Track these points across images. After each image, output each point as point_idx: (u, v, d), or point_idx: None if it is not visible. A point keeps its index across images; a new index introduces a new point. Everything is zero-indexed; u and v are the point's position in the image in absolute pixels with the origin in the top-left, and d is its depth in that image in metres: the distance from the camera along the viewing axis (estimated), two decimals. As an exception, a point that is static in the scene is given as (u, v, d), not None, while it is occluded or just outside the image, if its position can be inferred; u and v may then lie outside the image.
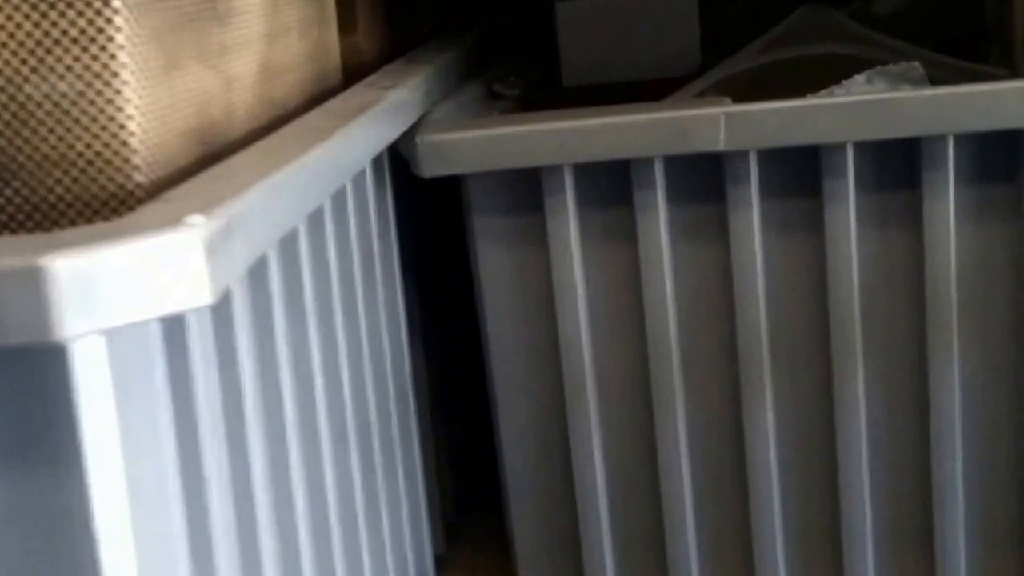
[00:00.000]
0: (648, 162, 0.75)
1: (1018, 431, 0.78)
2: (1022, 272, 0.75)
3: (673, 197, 0.77)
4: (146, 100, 0.46)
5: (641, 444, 0.81)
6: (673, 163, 0.76)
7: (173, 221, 0.38)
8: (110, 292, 0.36)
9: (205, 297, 0.38)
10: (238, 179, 0.44)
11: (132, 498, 0.41)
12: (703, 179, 0.76)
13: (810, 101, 0.72)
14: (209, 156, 0.52)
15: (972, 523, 0.79)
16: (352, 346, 0.66)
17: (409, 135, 0.75)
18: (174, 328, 0.44)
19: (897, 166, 0.74)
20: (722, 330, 0.78)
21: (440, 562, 0.92)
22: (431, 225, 0.92)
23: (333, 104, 0.63)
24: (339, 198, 0.64)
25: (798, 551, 0.81)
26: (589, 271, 0.79)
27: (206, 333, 0.47)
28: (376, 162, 0.72)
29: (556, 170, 0.76)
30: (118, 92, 0.45)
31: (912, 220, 0.75)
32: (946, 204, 0.74)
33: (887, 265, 0.76)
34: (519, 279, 0.80)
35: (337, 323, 0.63)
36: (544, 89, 1.04)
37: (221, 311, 0.48)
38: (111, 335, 0.39)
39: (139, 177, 0.46)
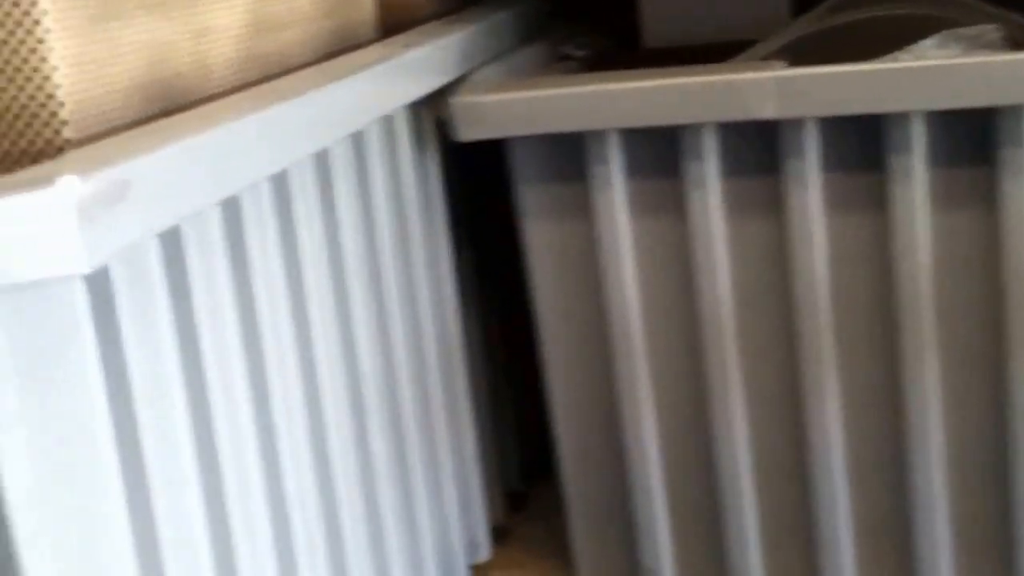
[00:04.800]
0: (698, 129, 0.70)
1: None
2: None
3: (726, 168, 0.71)
4: (74, 51, 0.43)
5: (693, 417, 0.76)
6: (726, 131, 0.70)
7: (46, 180, 0.35)
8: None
9: (80, 264, 0.35)
10: (152, 138, 0.41)
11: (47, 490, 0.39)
12: (758, 149, 0.70)
13: (869, 66, 0.65)
14: (169, 113, 0.49)
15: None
16: (376, 314, 0.63)
17: (442, 96, 0.71)
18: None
19: (970, 139, 0.68)
20: (777, 306, 0.72)
21: (501, 533, 0.89)
22: (488, 192, 0.88)
23: (330, 63, 0.60)
24: (358, 159, 0.61)
25: (858, 527, 0.75)
26: (637, 243, 0.74)
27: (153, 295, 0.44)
28: (415, 122, 0.69)
29: (600, 135, 0.72)
30: (40, 41, 0.42)
31: (986, 197, 0.68)
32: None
33: (959, 245, 0.69)
34: (564, 250, 0.75)
35: (353, 285, 0.60)
36: (622, 51, 0.99)
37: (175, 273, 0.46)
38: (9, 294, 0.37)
39: (68, 132, 0.43)
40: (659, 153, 0.72)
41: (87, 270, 0.35)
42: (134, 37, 0.47)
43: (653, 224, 0.73)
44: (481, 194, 0.86)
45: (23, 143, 0.43)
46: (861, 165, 0.69)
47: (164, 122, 0.45)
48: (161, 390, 0.45)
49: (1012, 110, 0.65)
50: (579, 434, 0.79)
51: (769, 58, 0.75)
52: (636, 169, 0.72)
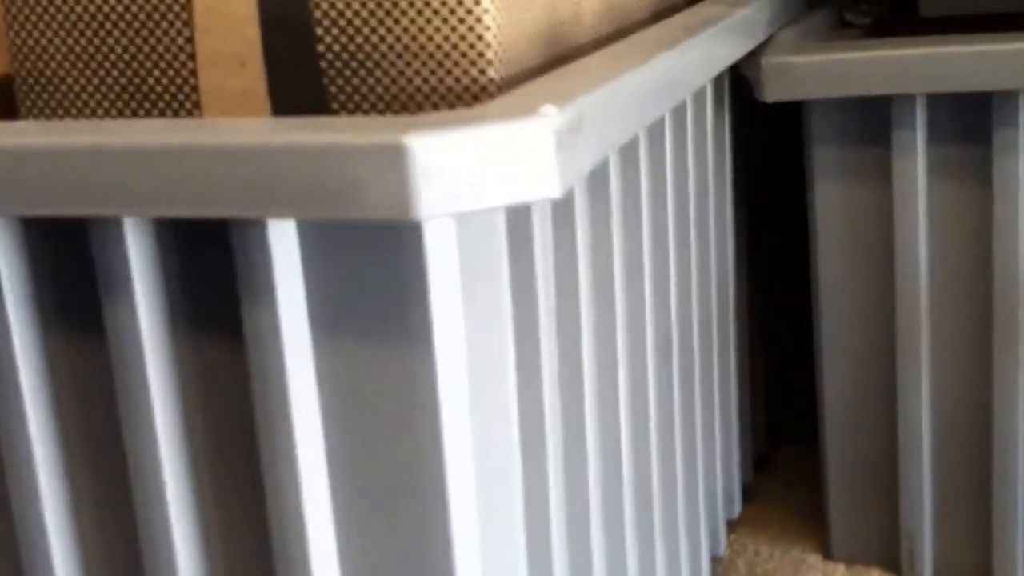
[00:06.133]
0: (1012, 96, 0.70)
1: None
2: None
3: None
4: (502, -3, 0.46)
5: (973, 385, 0.76)
6: (1036, 98, 0.71)
7: (527, 110, 0.38)
8: (465, 175, 0.36)
9: (553, 189, 0.38)
10: (588, 78, 0.43)
11: (473, 377, 0.42)
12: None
13: None
14: (556, 58, 0.52)
15: None
16: (681, 262, 0.65)
17: (753, 57, 0.73)
18: (518, 223, 0.44)
19: None
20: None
21: (747, 492, 0.91)
22: (767, 153, 0.89)
23: (680, 18, 0.62)
24: (679, 113, 0.63)
25: None
26: (933, 208, 0.74)
27: (547, 232, 0.47)
28: (717, 81, 0.71)
29: (907, 100, 0.72)
30: (477, -15, 0.45)
31: None
32: None
33: None
34: (856, 211, 0.76)
35: (669, 237, 0.62)
36: (896, 18, 0.99)
37: (561, 212, 0.48)
38: (462, 220, 0.40)
39: (492, 72, 0.46)
40: (964, 119, 0.72)
41: (558, 195, 0.38)
42: (545, -15, 0.50)
43: (951, 187, 0.74)
44: (758, 155, 0.87)
45: (449, 81, 0.47)
46: None
47: (578, 64, 0.47)
48: (566, 314, 0.48)
49: None
50: (847, 398, 0.80)
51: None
52: (939, 134, 0.73)
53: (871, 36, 0.88)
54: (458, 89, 0.46)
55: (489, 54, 0.46)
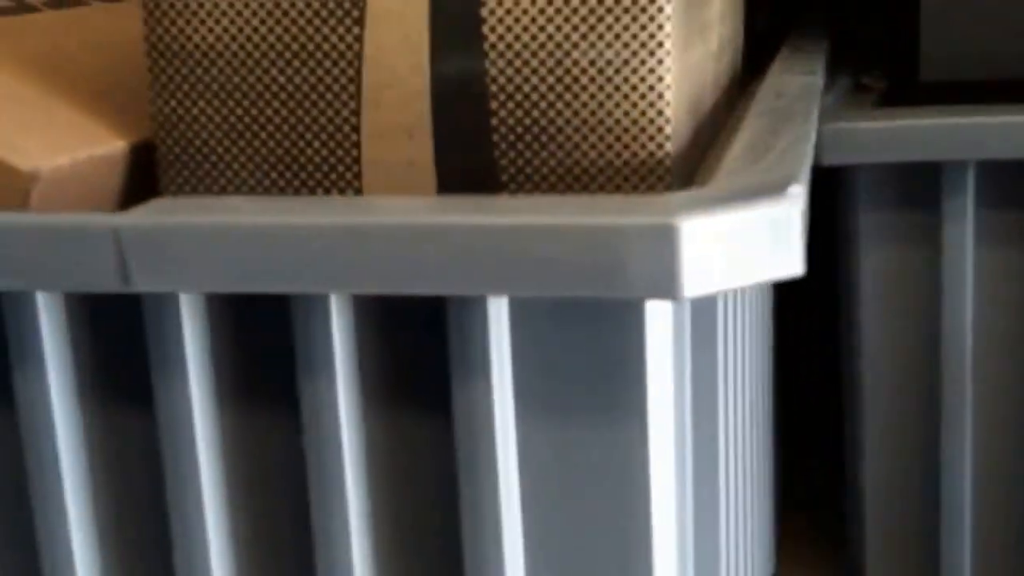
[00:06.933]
0: (1057, 162, 0.73)
1: None
2: None
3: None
4: (677, 70, 0.47)
5: (1015, 458, 0.78)
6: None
7: (777, 190, 0.38)
8: (727, 255, 0.37)
9: (798, 266, 0.38)
10: (792, 156, 0.44)
11: (680, 459, 0.42)
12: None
13: None
14: (696, 129, 0.53)
15: None
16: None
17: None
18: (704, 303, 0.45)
19: None
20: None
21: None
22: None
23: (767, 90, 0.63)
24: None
25: None
26: (980, 273, 0.77)
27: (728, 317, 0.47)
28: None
29: (959, 166, 0.75)
30: (660, 62, 0.46)
31: None
32: None
33: None
34: (903, 278, 0.78)
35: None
36: (900, 82, 1.01)
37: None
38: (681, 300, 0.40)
39: (669, 146, 0.46)
40: (1013, 184, 0.75)
41: (801, 271, 0.39)
42: (695, 58, 0.50)
43: (998, 253, 0.76)
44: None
45: (626, 155, 0.47)
46: None
47: (760, 137, 0.48)
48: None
49: None
50: (889, 468, 0.82)
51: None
52: (988, 199, 0.75)
53: (886, 100, 0.91)
54: (635, 164, 0.47)
55: (668, 129, 0.46)
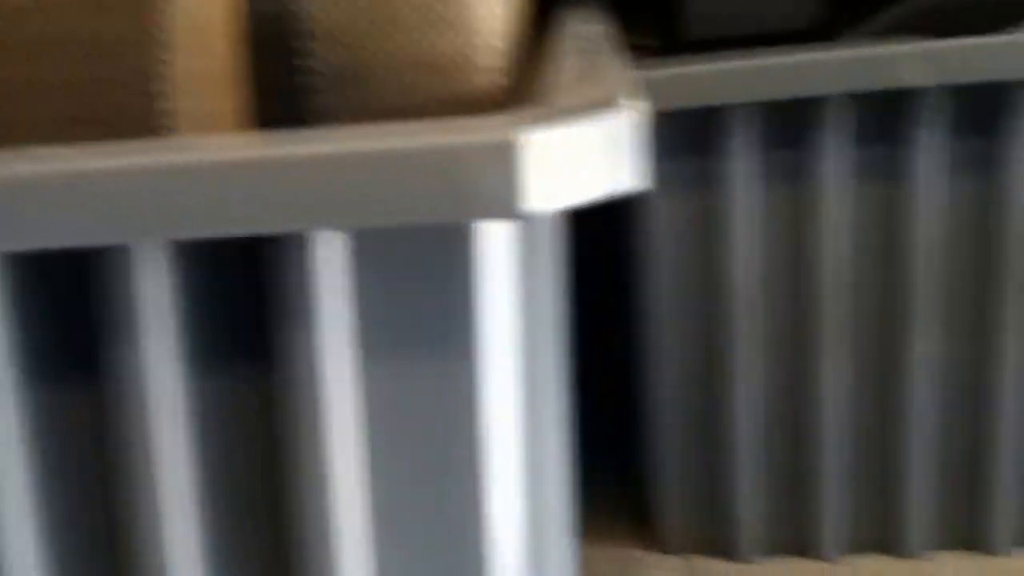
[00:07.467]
0: (832, 101, 0.75)
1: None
2: None
3: (853, 138, 0.76)
4: (507, 4, 0.45)
5: (792, 385, 0.81)
6: (855, 103, 0.75)
7: (609, 104, 0.37)
8: (569, 170, 0.35)
9: (644, 179, 0.37)
10: (615, 79, 0.43)
11: (516, 389, 0.41)
12: (884, 120, 0.75)
13: (1008, 39, 0.72)
14: (520, 64, 0.51)
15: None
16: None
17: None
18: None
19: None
20: (891, 271, 0.78)
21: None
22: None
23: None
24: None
25: (937, 484, 0.82)
26: (760, 213, 0.78)
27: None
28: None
29: (739, 109, 0.75)
30: (487, -8, 0.44)
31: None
32: None
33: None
34: (686, 221, 0.79)
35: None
36: (665, 42, 1.03)
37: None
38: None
39: (501, 79, 0.45)
40: (790, 126, 0.76)
41: (648, 185, 0.38)
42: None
43: (778, 195, 0.77)
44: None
45: (456, 90, 0.45)
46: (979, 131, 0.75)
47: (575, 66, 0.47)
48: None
49: None
50: (675, 399, 0.83)
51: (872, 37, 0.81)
52: (765, 142, 0.77)
53: (657, 56, 0.92)
54: (467, 99, 0.45)
55: (499, 61, 0.45)
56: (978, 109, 0.74)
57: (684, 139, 0.77)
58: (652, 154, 0.77)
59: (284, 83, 0.45)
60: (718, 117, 0.76)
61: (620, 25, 0.96)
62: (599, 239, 0.85)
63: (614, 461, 0.96)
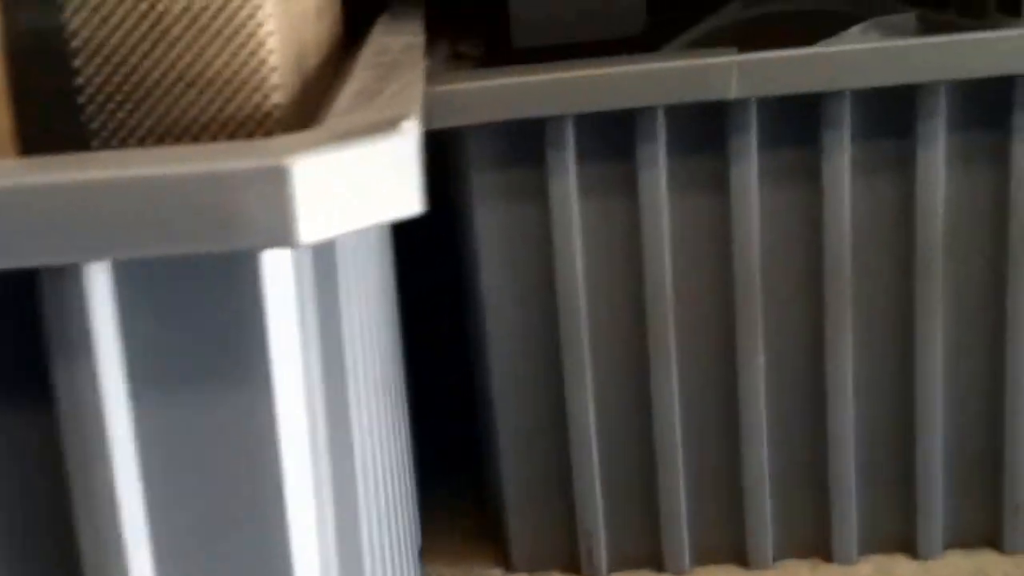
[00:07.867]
0: (652, 112, 0.76)
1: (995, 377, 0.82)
2: (1004, 217, 0.79)
3: (674, 149, 0.77)
4: (278, 18, 0.44)
5: (633, 386, 0.82)
6: (675, 114, 0.77)
7: (389, 126, 0.37)
8: (344, 196, 0.35)
9: (418, 204, 0.37)
10: (405, 98, 0.43)
11: (311, 421, 0.40)
12: (704, 130, 0.77)
13: (820, 49, 0.74)
14: (303, 84, 0.51)
15: (949, 462, 0.83)
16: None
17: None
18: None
19: (888, 116, 0.77)
20: (719, 280, 0.80)
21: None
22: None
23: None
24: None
25: (781, 492, 0.83)
26: (588, 224, 0.79)
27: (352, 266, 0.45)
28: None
29: (559, 121, 0.76)
30: (259, 6, 0.43)
31: (904, 168, 0.78)
32: (936, 152, 0.77)
33: (879, 214, 0.79)
34: (516, 233, 0.79)
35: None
36: (495, 50, 1.04)
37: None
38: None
39: (276, 97, 0.44)
40: (612, 137, 0.77)
41: (422, 210, 0.37)
42: (299, 6, 0.48)
43: (603, 203, 0.79)
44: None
45: (230, 110, 0.44)
46: (798, 141, 0.77)
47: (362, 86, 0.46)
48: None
49: (929, 87, 0.75)
50: (518, 414, 0.83)
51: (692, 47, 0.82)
52: (589, 153, 0.78)
53: (484, 66, 0.92)
54: (240, 118, 0.44)
55: (274, 78, 0.44)
56: (793, 120, 0.76)
57: (510, 149, 0.77)
58: (478, 165, 0.77)
59: (51, 104, 0.43)
60: (542, 128, 0.76)
61: (449, 33, 0.96)
62: (440, 245, 0.85)
63: (462, 476, 0.96)
